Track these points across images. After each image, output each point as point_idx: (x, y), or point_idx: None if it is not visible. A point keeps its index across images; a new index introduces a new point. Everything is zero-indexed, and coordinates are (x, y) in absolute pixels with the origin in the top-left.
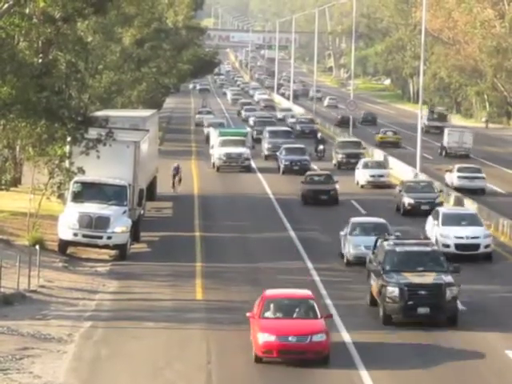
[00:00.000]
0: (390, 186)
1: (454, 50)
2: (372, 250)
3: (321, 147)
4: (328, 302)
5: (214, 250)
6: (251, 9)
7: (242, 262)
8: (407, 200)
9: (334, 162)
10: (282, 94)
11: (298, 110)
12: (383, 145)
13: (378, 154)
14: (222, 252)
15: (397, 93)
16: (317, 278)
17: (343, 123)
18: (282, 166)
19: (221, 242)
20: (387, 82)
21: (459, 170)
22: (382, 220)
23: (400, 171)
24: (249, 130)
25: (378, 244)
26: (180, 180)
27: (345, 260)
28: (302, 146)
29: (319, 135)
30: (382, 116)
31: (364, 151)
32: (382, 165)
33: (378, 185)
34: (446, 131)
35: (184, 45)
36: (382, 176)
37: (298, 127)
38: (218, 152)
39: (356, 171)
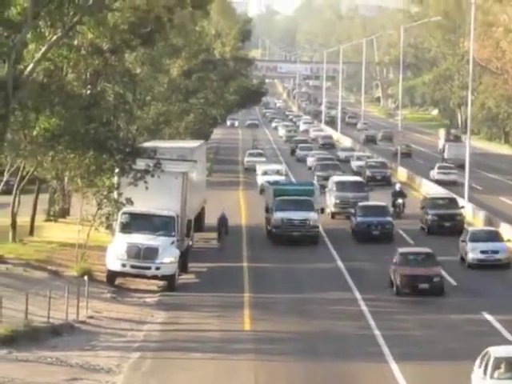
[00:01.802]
0: (509, 266)
1: (501, 80)
2: None
3: (400, 201)
4: (376, 332)
5: (262, 281)
6: (298, 39)
7: (290, 293)
8: None
9: (423, 225)
10: (321, 120)
11: (343, 140)
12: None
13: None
14: (270, 282)
15: (444, 123)
16: (364, 308)
17: (368, 141)
18: (356, 230)
19: (269, 272)
20: (435, 112)
21: (439, 168)
22: None
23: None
24: (316, 185)
25: None
26: (227, 231)
27: None
28: (383, 203)
29: (398, 186)
30: (428, 146)
31: (462, 211)
32: (496, 236)
33: (492, 264)
34: (447, 146)
35: (231, 76)
36: (497, 252)
37: (367, 173)
38: (275, 217)
39: (461, 245)
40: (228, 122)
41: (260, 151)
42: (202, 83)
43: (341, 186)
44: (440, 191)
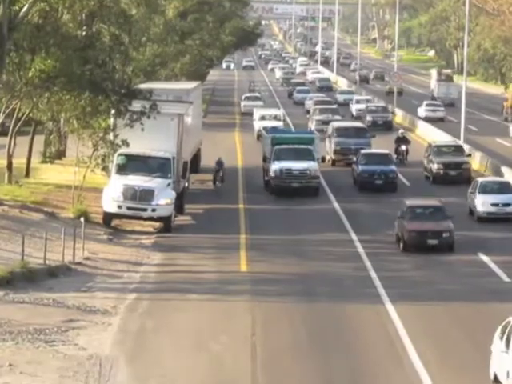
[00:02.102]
0: None
1: (498, 21)
2: None
3: (403, 148)
4: (372, 273)
5: (259, 222)
6: None
7: (286, 234)
8: None
9: (427, 173)
10: (316, 61)
11: (340, 81)
12: (390, 94)
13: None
14: (266, 224)
15: (441, 64)
16: (361, 250)
17: (361, 81)
18: (358, 180)
19: (265, 214)
20: (431, 53)
21: (426, 105)
22: None
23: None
24: (316, 134)
25: None
26: (223, 178)
27: None
28: (386, 151)
29: (401, 131)
30: (422, 87)
31: (469, 159)
32: (507, 187)
33: (503, 217)
34: (436, 84)
35: (227, 17)
36: (508, 205)
37: (368, 117)
38: (273, 168)
39: (470, 197)
40: (224, 65)
41: (257, 95)
42: (198, 24)
43: (341, 131)
44: (446, 138)
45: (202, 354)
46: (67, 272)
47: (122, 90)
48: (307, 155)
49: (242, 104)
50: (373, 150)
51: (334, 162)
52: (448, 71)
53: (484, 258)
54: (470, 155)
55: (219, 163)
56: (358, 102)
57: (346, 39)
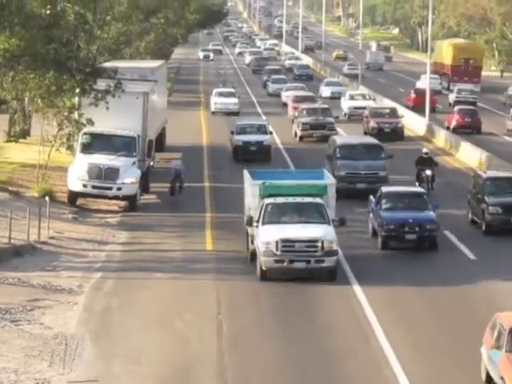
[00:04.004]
0: None
1: None
2: None
3: (427, 173)
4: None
5: (224, 201)
6: None
7: None
8: None
9: (475, 217)
10: (275, 36)
11: (305, 59)
12: (338, 59)
13: None
14: (231, 202)
15: (405, 42)
16: None
17: (307, 49)
18: (380, 232)
19: (230, 192)
20: (396, 31)
21: (347, 65)
22: None
23: None
24: (331, 179)
25: None
26: (182, 186)
27: None
28: (419, 189)
29: (424, 150)
30: (388, 64)
31: None
32: None
33: None
34: (368, 52)
35: None
36: None
37: (371, 123)
38: (262, 237)
39: None
40: (201, 55)
41: (231, 90)
42: (163, 2)
43: (346, 150)
44: (504, 166)
45: (168, 333)
46: (32, 251)
47: (86, 69)
48: (317, 215)
49: (213, 101)
50: (400, 188)
51: (337, 193)
52: (386, 43)
53: (450, 235)
54: None
55: (176, 169)
56: (352, 97)
57: (310, 17)
